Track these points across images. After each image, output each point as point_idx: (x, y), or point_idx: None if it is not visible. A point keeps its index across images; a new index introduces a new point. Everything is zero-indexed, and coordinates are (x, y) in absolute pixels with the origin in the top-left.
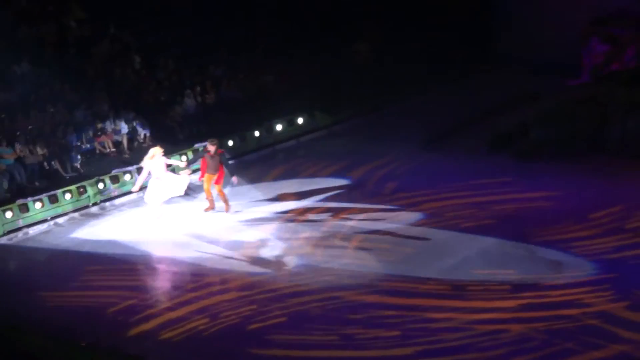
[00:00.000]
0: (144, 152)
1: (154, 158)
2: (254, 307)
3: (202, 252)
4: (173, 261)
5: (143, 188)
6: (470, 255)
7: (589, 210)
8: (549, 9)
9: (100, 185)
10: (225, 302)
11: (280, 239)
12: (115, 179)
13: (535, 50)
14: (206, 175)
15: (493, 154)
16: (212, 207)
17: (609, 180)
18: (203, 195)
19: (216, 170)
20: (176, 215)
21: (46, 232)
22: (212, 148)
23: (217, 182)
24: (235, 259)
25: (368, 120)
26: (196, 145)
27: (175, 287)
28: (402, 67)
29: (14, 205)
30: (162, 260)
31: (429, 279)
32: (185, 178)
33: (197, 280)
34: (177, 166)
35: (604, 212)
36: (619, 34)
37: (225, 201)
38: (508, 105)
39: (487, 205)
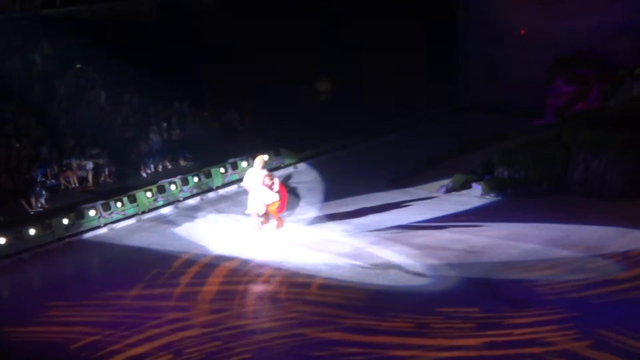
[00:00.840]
0: (108, 187)
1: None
2: (218, 343)
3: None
4: (136, 296)
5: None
6: (434, 292)
7: (553, 249)
8: (514, 49)
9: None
10: (189, 338)
11: (245, 274)
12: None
13: (501, 91)
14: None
15: (458, 193)
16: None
17: (573, 220)
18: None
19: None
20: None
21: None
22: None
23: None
24: (200, 295)
25: (334, 158)
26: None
27: (134, 324)
28: (369, 106)
29: None
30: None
31: (393, 316)
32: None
33: (160, 316)
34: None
35: (567, 251)
36: (583, 75)
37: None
38: (473, 145)
39: (451, 242)
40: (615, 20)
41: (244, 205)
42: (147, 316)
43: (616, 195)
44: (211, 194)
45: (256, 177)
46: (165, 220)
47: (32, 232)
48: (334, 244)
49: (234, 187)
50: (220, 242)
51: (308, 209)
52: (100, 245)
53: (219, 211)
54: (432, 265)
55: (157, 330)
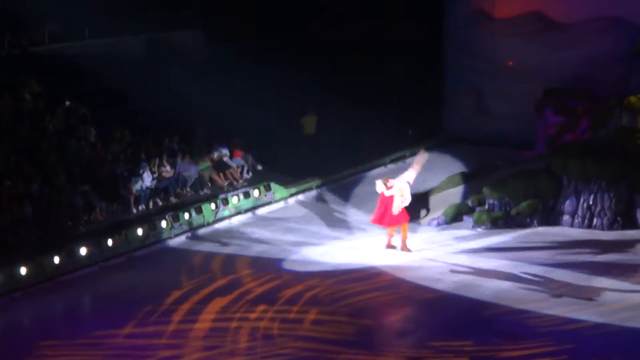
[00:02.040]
0: (99, 225)
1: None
2: None
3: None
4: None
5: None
6: (427, 326)
7: (545, 281)
8: (503, 81)
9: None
10: None
11: (238, 311)
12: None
13: (490, 122)
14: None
15: (449, 226)
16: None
17: (564, 251)
18: None
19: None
20: None
21: None
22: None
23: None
24: (192, 332)
25: (325, 192)
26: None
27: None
28: (358, 138)
29: None
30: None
31: (386, 350)
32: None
33: (152, 354)
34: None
35: (559, 283)
36: (572, 105)
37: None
38: (463, 178)
39: (443, 275)
40: (604, 51)
41: (234, 241)
42: (139, 354)
43: (607, 226)
44: (202, 230)
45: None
46: (157, 258)
47: (23, 271)
48: (326, 279)
49: (225, 223)
50: (213, 278)
51: (299, 246)
52: (91, 283)
53: (210, 248)
54: (424, 299)
55: None
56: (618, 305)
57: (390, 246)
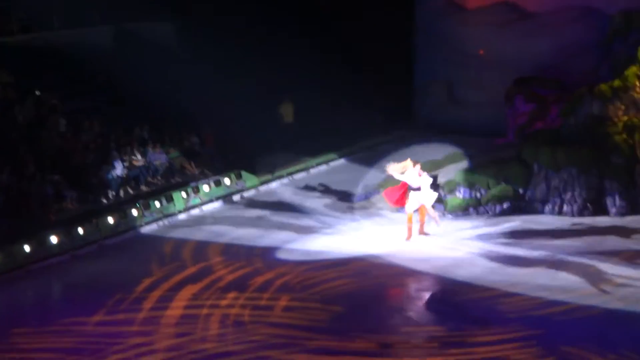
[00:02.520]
0: (69, 214)
1: (406, 171)
2: None
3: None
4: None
5: None
6: (398, 312)
7: (515, 267)
8: (473, 70)
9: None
10: None
11: (209, 298)
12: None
13: (461, 111)
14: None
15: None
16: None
17: (534, 238)
18: None
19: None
20: None
21: None
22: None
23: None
24: (163, 320)
25: (295, 180)
26: None
27: (97, 350)
28: (327, 128)
29: None
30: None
31: (357, 336)
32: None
33: (123, 341)
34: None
35: (530, 269)
36: (542, 94)
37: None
38: (434, 166)
39: (414, 262)
40: (574, 40)
41: (206, 229)
42: (110, 342)
43: (578, 213)
44: (173, 218)
45: (412, 176)
46: (128, 246)
47: None
48: (297, 266)
49: (196, 211)
50: (182, 266)
51: (270, 234)
52: (62, 272)
53: (181, 235)
54: (395, 285)
55: (120, 356)
56: (587, 292)
57: (423, 233)
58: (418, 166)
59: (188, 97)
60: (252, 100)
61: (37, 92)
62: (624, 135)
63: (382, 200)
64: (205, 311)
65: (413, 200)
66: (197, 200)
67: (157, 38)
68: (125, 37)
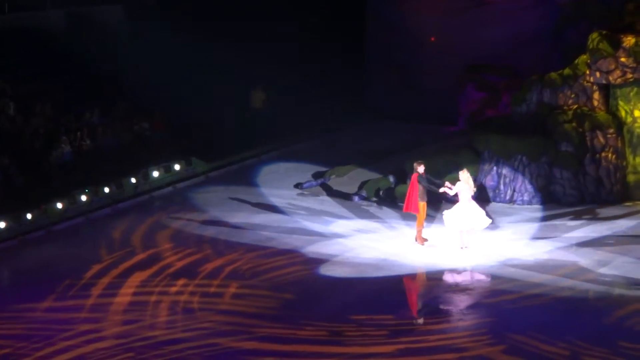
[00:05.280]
0: (18, 198)
1: (463, 183)
2: (131, 354)
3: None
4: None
5: None
6: (349, 301)
7: (466, 256)
8: (426, 57)
9: None
10: (101, 350)
11: (158, 285)
12: None
13: (413, 98)
14: (422, 203)
15: (368, 201)
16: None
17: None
18: None
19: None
20: None
21: None
22: (423, 168)
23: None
24: (112, 306)
25: (245, 167)
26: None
27: (46, 337)
28: (281, 115)
29: None
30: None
31: (306, 324)
32: (488, 221)
33: (72, 328)
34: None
35: (480, 258)
36: (493, 81)
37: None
38: (386, 153)
39: (365, 250)
40: (526, 28)
41: (156, 214)
42: (59, 328)
43: (527, 201)
44: (122, 204)
45: (467, 189)
46: (77, 232)
47: None
48: (249, 255)
49: (145, 197)
50: (131, 252)
51: (220, 220)
52: (10, 257)
53: (131, 221)
54: (345, 273)
55: (69, 342)
56: (536, 280)
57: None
58: (466, 173)
59: (140, 82)
60: (206, 86)
61: None
62: (574, 124)
63: (330, 186)
64: (154, 298)
65: (459, 215)
66: (147, 186)
67: (110, 21)
68: (77, 20)
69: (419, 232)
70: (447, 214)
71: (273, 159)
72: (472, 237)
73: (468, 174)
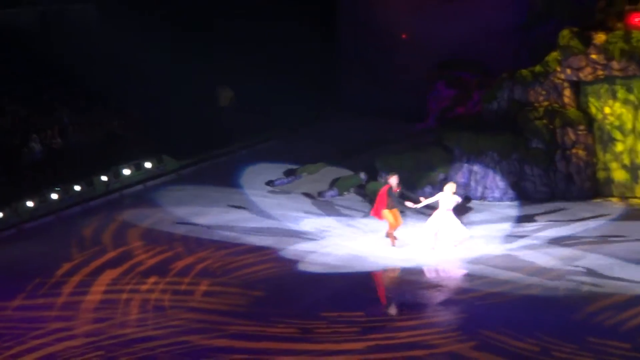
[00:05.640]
0: None
1: (447, 194)
2: (102, 353)
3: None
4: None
5: None
6: (319, 298)
7: (437, 253)
8: (396, 53)
9: None
10: (72, 348)
11: (128, 283)
12: None
13: (384, 95)
14: (391, 210)
15: (341, 197)
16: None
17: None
18: None
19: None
20: None
21: None
22: (395, 182)
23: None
24: (83, 305)
25: (216, 164)
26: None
27: (17, 335)
28: (250, 112)
29: None
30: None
31: (277, 321)
32: (467, 233)
33: (43, 326)
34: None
35: (451, 255)
36: (464, 78)
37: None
38: (356, 150)
39: (336, 247)
40: (497, 24)
41: (126, 213)
42: (29, 327)
43: (498, 197)
44: (93, 202)
45: (448, 200)
46: (48, 230)
47: None
48: (219, 252)
49: (116, 195)
50: (102, 250)
51: (191, 218)
52: None
53: (101, 219)
54: (315, 270)
55: (40, 341)
56: (507, 278)
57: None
58: (452, 187)
59: (111, 80)
60: (177, 84)
61: None
62: (545, 121)
63: (302, 184)
64: (125, 296)
65: (437, 221)
66: (118, 184)
67: (83, 20)
68: (51, 19)
69: (391, 231)
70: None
71: (245, 156)
72: (444, 242)
73: (453, 189)
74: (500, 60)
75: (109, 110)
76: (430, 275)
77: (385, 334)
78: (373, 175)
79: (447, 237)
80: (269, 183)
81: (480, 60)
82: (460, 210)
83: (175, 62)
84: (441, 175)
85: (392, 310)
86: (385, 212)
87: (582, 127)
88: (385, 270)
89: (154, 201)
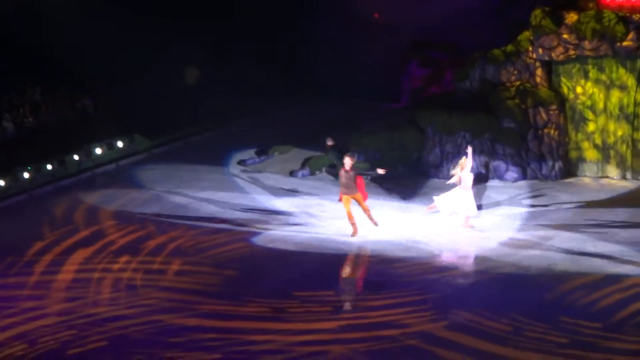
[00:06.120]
0: None
1: (464, 169)
2: (74, 332)
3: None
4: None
5: None
6: (291, 277)
7: (409, 232)
8: (369, 33)
9: None
10: (44, 327)
11: (101, 262)
12: None
13: (356, 75)
14: (344, 197)
15: (313, 177)
16: (356, 232)
17: (428, 202)
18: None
19: (354, 188)
20: None
21: None
22: (349, 162)
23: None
24: (54, 284)
25: (189, 144)
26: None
27: None
28: (219, 92)
29: None
30: None
31: (249, 301)
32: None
33: (14, 305)
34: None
35: (423, 233)
36: (437, 58)
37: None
38: (329, 131)
39: (306, 227)
40: (469, 4)
41: (98, 192)
42: (1, 306)
43: None
44: (65, 181)
45: (467, 176)
46: (19, 209)
47: None
48: (191, 232)
49: (88, 174)
50: (74, 229)
51: (163, 197)
52: None
53: (73, 198)
54: (287, 250)
55: (12, 320)
56: (480, 256)
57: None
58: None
59: (83, 59)
60: (149, 64)
61: None
62: (517, 100)
63: (274, 163)
64: (97, 275)
65: (453, 199)
66: (90, 164)
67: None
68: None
69: (368, 216)
70: (439, 197)
71: (216, 136)
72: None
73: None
74: (472, 40)
75: (80, 89)
76: (401, 254)
77: (356, 313)
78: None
79: (456, 212)
80: (241, 162)
81: (453, 40)
82: (433, 191)
83: (144, 40)
84: (414, 155)
85: (364, 290)
86: (344, 199)
87: (554, 107)
88: (357, 250)
89: (126, 180)
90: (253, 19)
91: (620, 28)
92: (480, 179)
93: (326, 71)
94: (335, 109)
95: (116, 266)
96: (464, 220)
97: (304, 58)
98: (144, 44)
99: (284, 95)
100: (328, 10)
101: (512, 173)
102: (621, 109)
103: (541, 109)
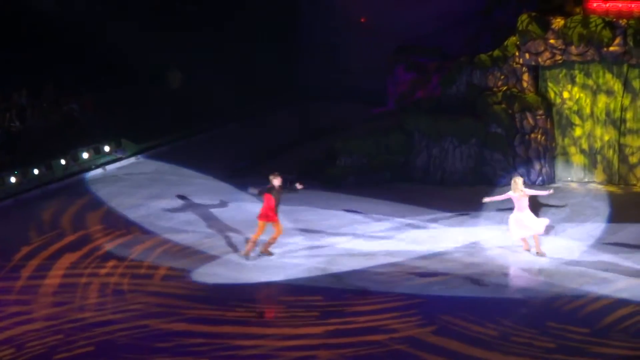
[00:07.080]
0: None
1: (517, 190)
2: (61, 336)
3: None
4: None
5: None
6: (277, 282)
7: (395, 237)
8: (356, 37)
9: None
10: (31, 332)
11: (88, 267)
12: None
13: (343, 79)
14: (261, 222)
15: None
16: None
17: (415, 207)
18: None
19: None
20: None
21: None
22: (277, 182)
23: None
24: (41, 288)
25: (175, 148)
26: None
27: None
28: (209, 95)
29: None
30: None
31: (236, 306)
32: (545, 220)
33: (1, 310)
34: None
35: (410, 238)
36: (423, 62)
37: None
38: (316, 135)
39: (293, 232)
40: (455, 9)
41: (85, 197)
42: None
43: (457, 182)
44: (51, 186)
45: (520, 197)
46: (6, 213)
47: None
48: (176, 234)
49: (75, 179)
50: (61, 234)
51: (150, 202)
52: None
53: (60, 203)
54: (275, 255)
55: None
56: (467, 261)
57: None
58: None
59: (68, 63)
60: (138, 67)
61: None
62: (504, 105)
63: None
64: (84, 280)
65: (518, 224)
66: (76, 168)
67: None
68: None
69: (268, 243)
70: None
71: (203, 141)
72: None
73: (519, 182)
74: (459, 45)
75: (66, 93)
76: (389, 260)
77: (343, 319)
78: (332, 159)
79: (532, 233)
80: (228, 167)
81: (439, 44)
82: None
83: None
84: (401, 159)
85: (351, 295)
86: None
87: (540, 112)
88: (344, 255)
89: (112, 185)
90: (245, 20)
91: (606, 33)
92: (467, 184)
93: (312, 75)
94: (323, 112)
95: (103, 271)
96: (535, 243)
97: (290, 62)
98: (133, 46)
99: (275, 97)
100: (315, 15)
101: (499, 178)
102: (608, 114)
103: (528, 114)
